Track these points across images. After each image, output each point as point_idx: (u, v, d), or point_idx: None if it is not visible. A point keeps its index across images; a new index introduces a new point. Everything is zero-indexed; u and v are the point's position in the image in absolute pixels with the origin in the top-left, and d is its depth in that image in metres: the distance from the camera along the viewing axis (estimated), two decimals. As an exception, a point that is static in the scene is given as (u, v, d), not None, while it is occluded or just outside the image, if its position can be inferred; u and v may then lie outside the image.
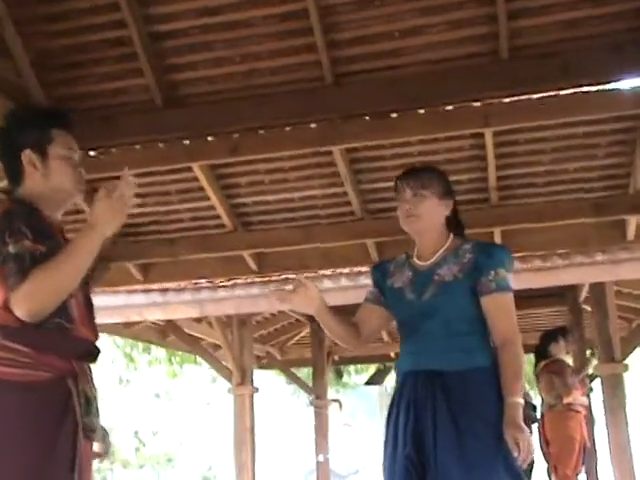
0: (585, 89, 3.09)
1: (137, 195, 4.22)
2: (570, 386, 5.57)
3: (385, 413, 2.28)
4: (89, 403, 1.89)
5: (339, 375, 12.24)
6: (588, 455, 5.92)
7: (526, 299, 6.56)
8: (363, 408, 14.64)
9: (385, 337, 8.28)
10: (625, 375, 5.85)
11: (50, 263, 1.77)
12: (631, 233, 4.30)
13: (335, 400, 9.95)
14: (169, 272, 4.80)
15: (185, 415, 15.22)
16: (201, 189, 4.11)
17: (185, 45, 3.34)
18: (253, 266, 4.65)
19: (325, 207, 4.27)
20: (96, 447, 2.09)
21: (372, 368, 11.72)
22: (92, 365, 1.99)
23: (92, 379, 1.98)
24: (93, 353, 1.98)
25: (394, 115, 3.34)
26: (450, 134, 3.58)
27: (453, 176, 2.91)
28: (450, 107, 3.29)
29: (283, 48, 3.30)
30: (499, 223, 4.14)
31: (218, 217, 4.32)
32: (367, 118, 3.36)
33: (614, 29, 3.01)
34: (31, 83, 3.38)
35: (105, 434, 2.16)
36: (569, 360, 6.11)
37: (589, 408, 6.16)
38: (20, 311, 1.75)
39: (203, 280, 5.16)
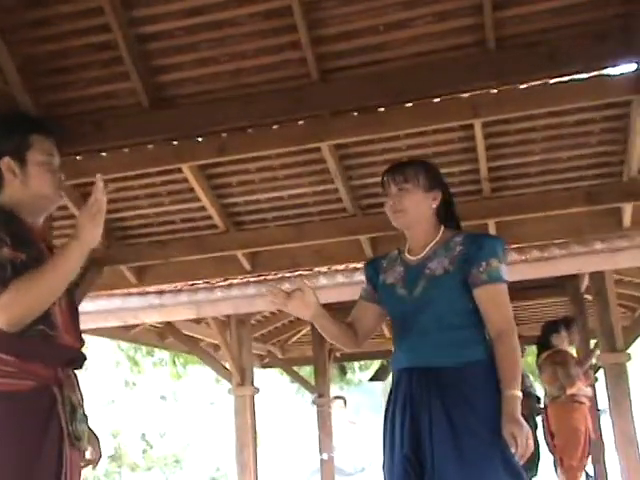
0: (573, 77, 3.06)
1: (129, 198, 4.21)
2: (573, 377, 5.54)
3: (387, 410, 2.25)
4: (74, 410, 1.89)
5: (343, 372, 12.25)
6: (595, 446, 5.90)
7: (527, 290, 6.58)
8: (368, 404, 14.63)
9: (387, 333, 8.25)
10: (629, 365, 5.81)
11: (32, 274, 1.77)
12: (627, 220, 4.28)
13: (339, 397, 9.96)
14: (163, 274, 4.80)
15: (191, 416, 15.25)
16: (191, 190, 4.10)
17: (171, 46, 3.32)
18: (247, 266, 4.64)
19: (316, 204, 4.26)
20: (88, 454, 2.09)
21: (376, 364, 11.71)
22: (77, 372, 1.98)
23: (78, 386, 1.97)
24: (78, 360, 1.97)
25: (382, 109, 3.32)
26: (439, 126, 3.56)
27: (444, 169, 2.89)
28: (438, 99, 3.27)
29: (268, 46, 3.28)
30: (493, 215, 4.12)
31: (210, 218, 4.31)
32: (355, 113, 3.34)
33: (600, 16, 2.98)
34: (17, 90, 3.36)
35: (96, 440, 2.14)
36: (572, 351, 6.08)
37: (594, 399, 6.13)
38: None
39: (200, 281, 5.15)
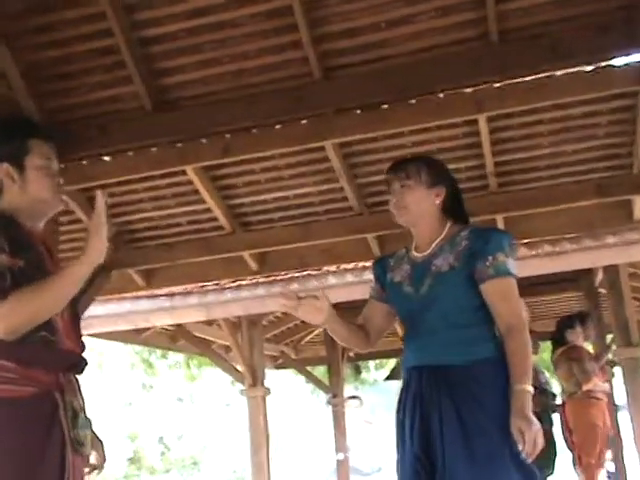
0: (577, 69, 3.02)
1: (134, 201, 4.21)
2: (589, 372, 5.48)
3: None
4: (76, 415, 1.88)
5: (357, 372, 12.22)
6: (613, 443, 5.83)
7: (540, 286, 6.52)
8: (383, 404, 14.58)
9: (400, 331, 8.23)
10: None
11: (35, 287, 1.77)
12: (638, 213, 4.22)
13: (354, 397, 9.93)
14: (171, 276, 4.80)
15: (208, 418, 15.30)
16: (196, 192, 4.10)
17: (172, 49, 3.32)
18: (254, 266, 4.63)
19: (322, 203, 4.25)
20: (92, 459, 2.09)
21: (391, 363, 11.68)
22: (79, 376, 1.98)
23: (80, 390, 1.97)
24: (79, 365, 1.97)
25: (385, 106, 3.29)
26: (443, 122, 3.53)
27: (450, 165, 2.86)
28: (441, 95, 3.24)
29: (270, 46, 3.27)
30: (500, 210, 4.08)
31: (215, 219, 4.31)
32: (358, 111, 3.31)
33: (603, 8, 2.94)
34: (22, 95, 3.37)
35: (100, 445, 2.14)
36: (588, 346, 6.01)
37: (611, 395, 6.06)
38: None
39: (209, 283, 5.16)
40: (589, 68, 3.05)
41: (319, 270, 4.89)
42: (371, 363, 13.29)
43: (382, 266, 2.34)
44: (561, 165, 3.98)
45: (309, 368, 9.36)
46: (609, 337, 6.56)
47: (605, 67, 3.05)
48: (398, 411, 2.19)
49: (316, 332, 8.44)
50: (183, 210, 4.30)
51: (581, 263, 5.15)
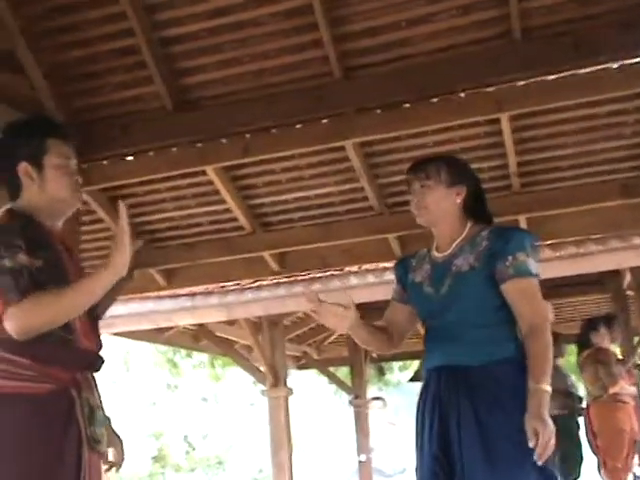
0: (600, 67, 2.97)
1: (155, 201, 4.23)
2: (616, 375, 5.39)
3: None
4: (93, 412, 1.89)
5: (381, 373, 12.17)
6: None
7: (566, 287, 6.44)
8: (406, 406, 14.49)
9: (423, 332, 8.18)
10: (672, 362, 5.64)
11: (54, 293, 1.78)
12: (665, 214, 4.14)
13: (378, 398, 9.89)
14: (192, 276, 4.82)
15: (232, 417, 15.35)
16: (217, 192, 4.11)
17: (193, 49, 3.34)
18: (274, 267, 4.63)
19: (343, 203, 4.23)
20: (111, 456, 2.09)
21: (415, 364, 11.62)
22: (95, 374, 1.99)
23: (96, 388, 1.98)
24: (96, 363, 1.98)
25: (406, 106, 3.27)
26: (465, 121, 3.49)
27: (472, 164, 2.83)
28: (463, 94, 3.21)
29: (290, 45, 3.28)
30: (523, 210, 4.03)
31: (236, 219, 4.31)
32: (378, 111, 3.30)
33: (626, 5, 2.89)
34: (44, 96, 3.41)
35: (119, 442, 2.15)
36: (616, 349, 5.91)
37: (638, 398, 5.95)
38: (10, 326, 1.76)
39: (230, 283, 5.17)
40: (615, 66, 3.00)
41: (340, 271, 4.87)
42: (395, 364, 13.22)
43: (404, 267, 2.32)
44: (586, 165, 3.92)
45: (332, 369, 9.34)
46: (636, 339, 6.46)
47: (632, 65, 2.99)
48: (418, 412, 2.17)
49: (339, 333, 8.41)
50: (204, 210, 4.31)
51: (606, 265, 5.07)
